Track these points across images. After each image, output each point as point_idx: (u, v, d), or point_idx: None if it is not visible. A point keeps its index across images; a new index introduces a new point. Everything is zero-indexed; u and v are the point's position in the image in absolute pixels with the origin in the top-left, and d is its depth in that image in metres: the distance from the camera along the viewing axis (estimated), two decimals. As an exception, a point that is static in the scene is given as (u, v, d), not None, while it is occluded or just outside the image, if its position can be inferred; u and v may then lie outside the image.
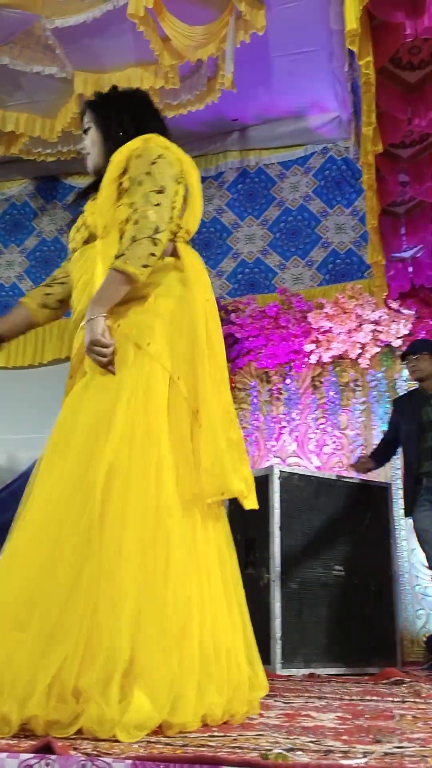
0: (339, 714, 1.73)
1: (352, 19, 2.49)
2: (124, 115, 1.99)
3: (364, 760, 1.08)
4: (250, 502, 1.74)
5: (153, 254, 1.69)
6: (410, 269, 4.49)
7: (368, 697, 2.18)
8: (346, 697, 2.17)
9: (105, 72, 4.41)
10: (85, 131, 1.99)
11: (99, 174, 1.89)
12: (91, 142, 1.96)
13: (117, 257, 1.69)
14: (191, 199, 1.90)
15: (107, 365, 1.65)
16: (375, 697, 2.19)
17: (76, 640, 1.39)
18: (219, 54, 4.12)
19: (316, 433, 4.71)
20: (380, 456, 3.94)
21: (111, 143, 1.89)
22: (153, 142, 1.85)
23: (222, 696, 1.50)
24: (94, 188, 1.89)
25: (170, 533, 1.54)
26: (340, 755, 1.14)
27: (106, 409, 1.61)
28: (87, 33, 4.11)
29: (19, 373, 5.53)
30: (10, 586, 1.53)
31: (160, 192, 1.75)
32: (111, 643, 1.38)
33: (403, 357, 3.78)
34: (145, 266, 1.68)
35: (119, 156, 1.82)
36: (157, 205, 1.73)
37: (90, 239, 1.83)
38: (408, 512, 3.67)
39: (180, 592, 1.50)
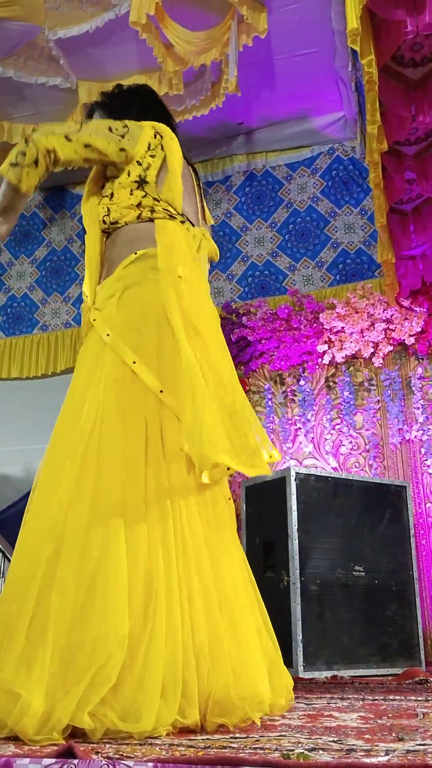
0: (361, 714, 1.71)
1: (352, 18, 2.48)
2: (132, 109, 2.02)
3: (386, 758, 1.07)
4: (253, 470, 1.67)
5: (23, 153, 1.75)
6: (421, 266, 4.47)
7: (391, 697, 2.16)
8: (369, 698, 2.16)
9: (109, 81, 4.42)
10: None
11: None
12: None
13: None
14: (170, 176, 1.93)
15: None
16: (398, 697, 2.17)
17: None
18: (222, 58, 4.13)
19: (331, 433, 4.70)
20: None
21: None
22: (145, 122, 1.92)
23: (193, 701, 1.45)
24: None
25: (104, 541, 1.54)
26: (362, 754, 1.14)
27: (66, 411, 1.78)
28: (90, 42, 4.14)
29: (33, 383, 5.56)
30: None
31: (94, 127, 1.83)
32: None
33: None
34: (13, 164, 1.75)
35: None
36: (80, 128, 1.80)
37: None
38: None
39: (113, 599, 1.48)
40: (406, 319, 4.62)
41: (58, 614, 1.46)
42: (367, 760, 1.06)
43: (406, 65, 2.96)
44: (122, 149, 1.86)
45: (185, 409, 1.64)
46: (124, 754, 1.20)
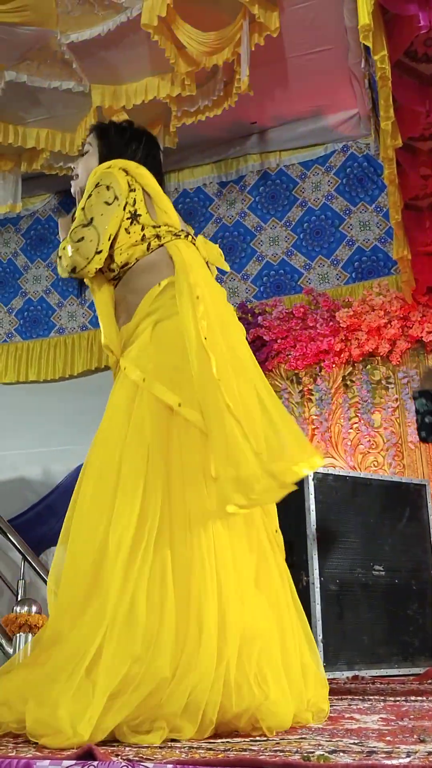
0: (383, 715, 1.70)
1: (364, 14, 2.47)
2: (128, 150, 2.04)
3: (407, 760, 1.06)
4: (265, 498, 1.67)
5: (73, 269, 1.86)
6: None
7: (413, 698, 2.15)
8: (390, 699, 2.14)
9: (122, 84, 4.44)
10: (83, 154, 2.06)
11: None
12: (83, 169, 2.07)
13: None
14: (156, 200, 1.93)
15: None
16: (419, 698, 2.15)
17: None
18: (234, 58, 4.13)
19: (349, 432, 4.68)
20: None
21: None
22: (109, 165, 1.94)
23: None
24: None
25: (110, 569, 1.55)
26: (383, 756, 1.13)
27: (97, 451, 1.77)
28: (102, 46, 4.14)
29: (51, 386, 5.58)
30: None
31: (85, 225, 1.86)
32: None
33: None
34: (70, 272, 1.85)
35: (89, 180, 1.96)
36: (80, 240, 1.84)
37: None
38: None
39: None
40: (423, 315, 4.59)
41: (112, 650, 1.45)
42: (387, 762, 1.05)
43: (419, 60, 2.94)
44: (121, 205, 1.88)
45: (214, 446, 1.63)
46: (144, 757, 1.20)
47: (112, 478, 1.66)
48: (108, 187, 1.87)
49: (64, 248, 1.84)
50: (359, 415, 4.68)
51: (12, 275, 5.96)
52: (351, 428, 4.68)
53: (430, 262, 4.38)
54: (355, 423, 4.68)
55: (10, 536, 3.94)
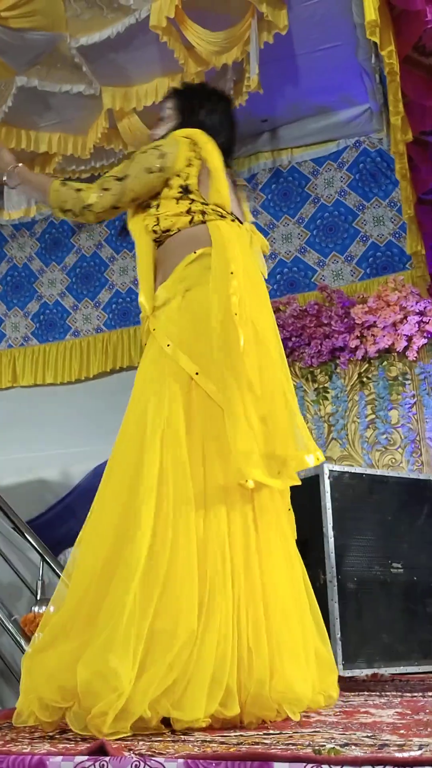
0: (398, 710, 1.69)
1: (370, 10, 2.47)
2: (200, 110, 2.20)
3: (419, 752, 1.06)
4: (279, 482, 1.70)
5: (75, 213, 1.96)
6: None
7: (430, 693, 2.14)
8: (408, 694, 2.13)
9: (132, 85, 4.46)
10: (162, 118, 2.25)
11: None
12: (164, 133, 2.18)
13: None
14: (214, 180, 1.97)
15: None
16: (438, 693, 2.14)
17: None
18: (243, 57, 4.13)
19: (366, 430, 4.65)
20: None
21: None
22: (185, 134, 2.01)
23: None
24: None
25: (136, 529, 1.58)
26: (395, 748, 1.12)
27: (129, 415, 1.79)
28: (112, 48, 4.16)
29: (68, 388, 5.62)
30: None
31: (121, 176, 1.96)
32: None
33: None
34: (64, 210, 1.97)
35: None
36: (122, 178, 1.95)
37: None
38: None
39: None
40: (439, 310, 4.55)
41: (141, 605, 1.51)
42: (398, 755, 1.05)
43: (428, 55, 2.93)
44: (163, 176, 1.97)
45: (227, 420, 1.67)
46: (156, 751, 1.20)
47: (136, 453, 1.70)
48: (162, 155, 1.96)
49: (89, 188, 1.95)
50: (376, 412, 4.65)
51: (27, 279, 6.00)
52: (368, 426, 4.65)
53: (445, 257, 4.36)
54: (372, 420, 4.65)
55: (28, 537, 3.97)
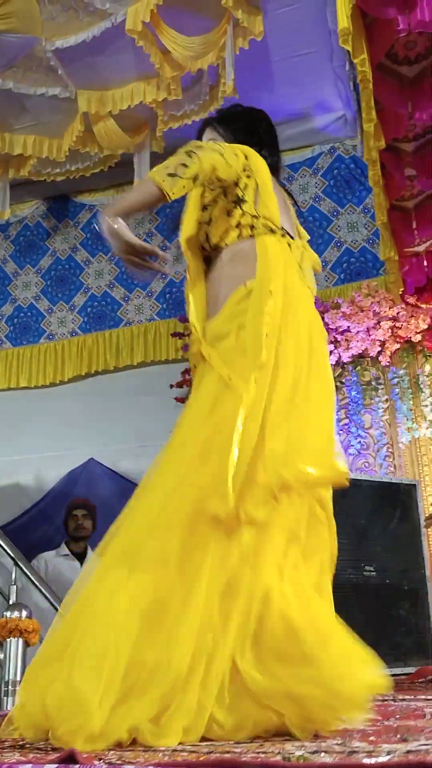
0: (369, 715, 1.71)
1: (343, 18, 2.49)
2: (245, 134, 2.06)
3: (386, 758, 1.07)
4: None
5: (184, 164, 1.70)
6: (425, 263, 4.45)
7: (401, 697, 2.15)
8: (378, 698, 2.15)
9: (108, 89, 4.46)
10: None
11: None
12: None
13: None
14: (263, 194, 1.91)
15: (138, 265, 1.71)
16: (408, 696, 2.16)
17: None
18: (219, 62, 4.15)
19: (340, 434, 4.68)
20: None
21: None
22: (240, 147, 1.93)
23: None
24: None
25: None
26: (364, 755, 1.13)
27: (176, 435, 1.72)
28: (88, 52, 4.16)
29: (42, 391, 5.58)
30: None
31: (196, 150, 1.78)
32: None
33: None
34: (170, 174, 1.68)
35: None
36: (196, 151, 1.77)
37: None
38: None
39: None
40: (412, 316, 4.60)
41: (126, 632, 1.46)
42: (366, 761, 1.06)
43: (400, 63, 2.96)
44: (223, 163, 1.84)
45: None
46: (126, 760, 1.20)
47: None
48: (219, 150, 1.84)
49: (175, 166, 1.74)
50: (349, 416, 4.69)
51: (1, 282, 5.96)
52: (341, 430, 4.69)
53: (418, 263, 4.40)
54: (346, 424, 4.68)
55: (0, 541, 3.94)
